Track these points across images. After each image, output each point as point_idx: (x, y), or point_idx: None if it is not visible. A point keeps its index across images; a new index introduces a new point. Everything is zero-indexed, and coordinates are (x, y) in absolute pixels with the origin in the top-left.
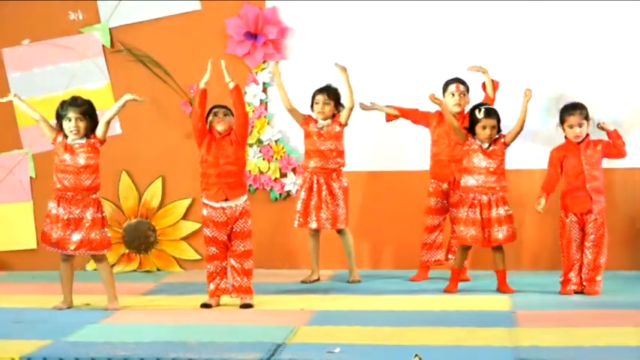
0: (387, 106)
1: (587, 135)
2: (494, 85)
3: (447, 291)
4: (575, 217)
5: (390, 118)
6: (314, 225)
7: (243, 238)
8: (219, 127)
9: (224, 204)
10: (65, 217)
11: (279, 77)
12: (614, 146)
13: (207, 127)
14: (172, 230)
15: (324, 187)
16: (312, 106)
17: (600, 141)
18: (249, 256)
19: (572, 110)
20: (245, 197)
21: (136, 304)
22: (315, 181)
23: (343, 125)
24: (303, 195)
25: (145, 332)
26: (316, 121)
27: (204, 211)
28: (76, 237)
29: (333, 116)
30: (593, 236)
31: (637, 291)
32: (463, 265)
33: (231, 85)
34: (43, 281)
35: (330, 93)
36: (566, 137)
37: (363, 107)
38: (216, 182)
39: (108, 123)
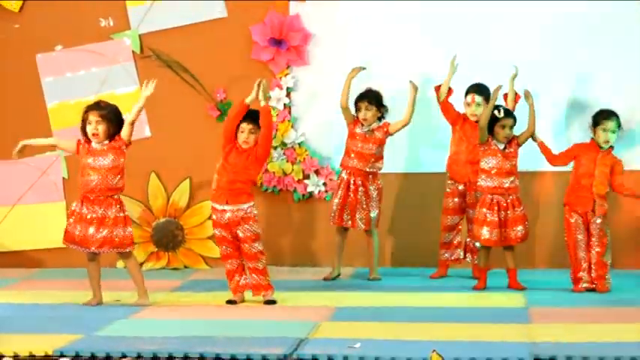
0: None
1: (612, 147)
2: (517, 98)
3: (477, 288)
4: (579, 217)
5: (449, 94)
6: (349, 224)
7: (251, 241)
8: (244, 145)
9: (225, 207)
10: (88, 216)
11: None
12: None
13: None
14: (199, 229)
15: (360, 188)
16: (356, 111)
17: (619, 162)
18: (260, 257)
19: (609, 116)
20: (249, 204)
21: (165, 301)
22: (353, 182)
23: (389, 134)
24: (340, 194)
25: (173, 327)
26: (363, 125)
27: (212, 214)
28: (99, 235)
29: (380, 119)
30: (596, 236)
31: None
32: (488, 263)
33: (262, 104)
34: (75, 278)
35: (371, 98)
36: (592, 139)
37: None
38: (222, 187)
39: (132, 124)
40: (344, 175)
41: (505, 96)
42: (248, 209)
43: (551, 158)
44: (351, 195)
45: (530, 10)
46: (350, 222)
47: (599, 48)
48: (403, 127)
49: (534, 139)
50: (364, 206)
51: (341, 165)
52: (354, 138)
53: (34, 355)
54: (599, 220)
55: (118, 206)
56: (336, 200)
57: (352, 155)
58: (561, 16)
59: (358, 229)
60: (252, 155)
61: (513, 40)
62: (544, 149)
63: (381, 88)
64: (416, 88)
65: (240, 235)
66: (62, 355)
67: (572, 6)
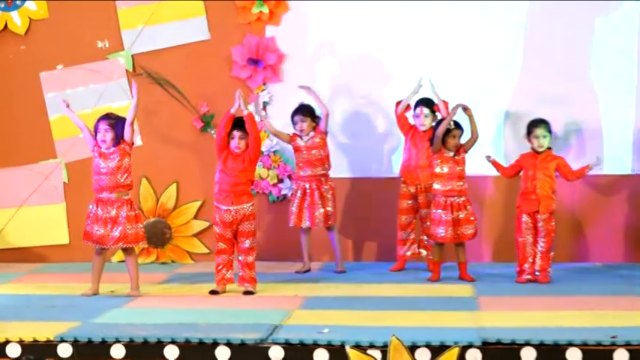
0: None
1: (549, 148)
2: (445, 104)
3: (431, 280)
4: (528, 217)
5: (406, 109)
6: (307, 224)
7: (248, 236)
8: (236, 150)
9: (231, 207)
10: (103, 216)
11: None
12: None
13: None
14: (185, 228)
15: (315, 192)
16: (293, 125)
17: (557, 157)
18: (252, 252)
19: (538, 124)
20: (250, 203)
21: (154, 292)
22: (308, 187)
23: (324, 133)
24: (297, 199)
25: (162, 315)
26: (301, 137)
27: (216, 213)
28: (114, 233)
29: (314, 128)
30: (543, 233)
31: (581, 280)
32: (441, 257)
33: (245, 113)
34: (74, 272)
35: (304, 111)
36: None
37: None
38: (226, 190)
39: (131, 125)
40: (300, 182)
41: (437, 107)
42: (249, 208)
43: (503, 172)
44: (308, 198)
45: (476, 28)
46: (309, 222)
47: (537, 63)
48: (474, 142)
49: (488, 160)
50: (320, 206)
51: (296, 178)
52: (299, 151)
53: (37, 341)
54: (545, 218)
55: (129, 206)
56: (294, 206)
57: (301, 166)
58: (501, 33)
59: (318, 227)
60: (246, 158)
61: (457, 58)
62: (497, 165)
63: (348, 103)
64: (466, 108)
65: (240, 231)
66: (62, 341)
67: (513, 24)
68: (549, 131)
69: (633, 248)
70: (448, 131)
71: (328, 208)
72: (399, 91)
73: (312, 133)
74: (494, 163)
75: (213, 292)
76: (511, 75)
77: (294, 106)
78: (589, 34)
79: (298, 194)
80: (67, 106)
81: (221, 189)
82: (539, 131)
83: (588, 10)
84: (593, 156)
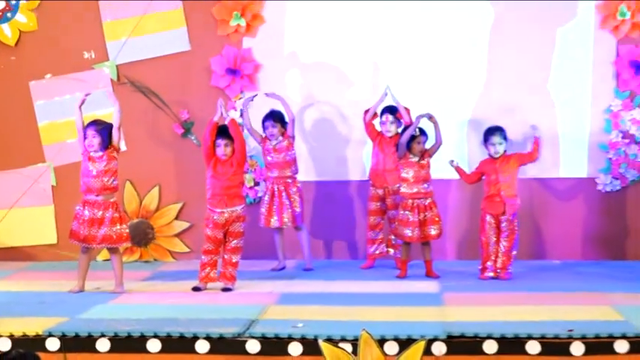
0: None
1: (505, 152)
2: (407, 111)
3: (399, 277)
4: (492, 218)
5: (373, 117)
6: (276, 224)
7: (237, 236)
8: (223, 158)
9: (224, 210)
10: (90, 217)
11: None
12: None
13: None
14: (167, 228)
15: (283, 193)
16: (263, 130)
17: (513, 154)
18: (238, 252)
19: (494, 131)
20: (242, 205)
21: (137, 289)
22: (277, 189)
23: (291, 137)
24: (266, 200)
25: (145, 311)
26: (270, 140)
27: (208, 216)
28: (100, 233)
29: (283, 134)
30: (506, 233)
31: (540, 277)
32: (409, 255)
33: (227, 120)
34: (62, 270)
35: (275, 117)
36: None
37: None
38: (219, 193)
39: (118, 129)
40: (268, 184)
41: (399, 115)
42: (240, 210)
43: (466, 178)
44: (276, 199)
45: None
46: (278, 222)
47: (499, 73)
48: (438, 147)
49: (452, 165)
50: (288, 207)
51: (265, 179)
52: (268, 153)
53: (27, 335)
54: (509, 219)
55: (114, 208)
56: (264, 207)
57: (271, 167)
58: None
59: (286, 226)
60: (234, 162)
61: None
62: (460, 172)
63: (320, 110)
64: (430, 117)
65: (230, 231)
66: (50, 335)
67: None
68: (505, 138)
69: (589, 246)
70: (413, 137)
71: (296, 209)
72: (366, 99)
73: (280, 138)
74: (458, 170)
75: (195, 289)
76: (475, 85)
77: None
78: (550, 45)
79: (267, 196)
80: (81, 104)
81: (214, 193)
82: (496, 138)
83: (550, 21)
84: (549, 161)
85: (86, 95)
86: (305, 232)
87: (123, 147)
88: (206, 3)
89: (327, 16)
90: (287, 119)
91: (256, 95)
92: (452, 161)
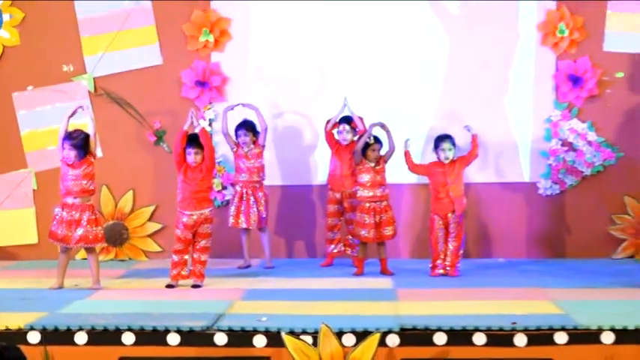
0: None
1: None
2: (361, 120)
3: (356, 274)
4: (440, 219)
5: (333, 127)
6: (244, 225)
7: (205, 237)
8: (193, 164)
9: (193, 212)
10: (68, 219)
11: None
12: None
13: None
14: (141, 229)
15: (251, 197)
16: (236, 137)
17: (458, 158)
18: (207, 251)
19: (443, 139)
20: (210, 208)
21: (113, 285)
22: (245, 192)
23: (261, 146)
24: (235, 202)
25: (120, 306)
26: (242, 147)
27: (179, 218)
28: (77, 234)
29: (254, 142)
30: (454, 234)
31: (486, 274)
32: (365, 254)
33: (198, 129)
34: (43, 268)
35: (247, 127)
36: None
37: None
38: (188, 197)
39: (94, 135)
40: (237, 188)
41: (354, 124)
42: (209, 213)
43: (412, 166)
44: (244, 202)
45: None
46: (245, 223)
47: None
48: (392, 154)
49: (406, 146)
50: (255, 210)
51: (234, 183)
52: (240, 158)
53: (10, 329)
54: (457, 220)
55: (90, 210)
56: (233, 208)
57: (241, 172)
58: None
59: (252, 227)
60: (204, 168)
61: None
62: (407, 157)
63: (284, 120)
64: (382, 125)
65: (199, 232)
66: (32, 329)
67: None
68: (454, 144)
69: (531, 246)
70: (368, 145)
71: (262, 212)
72: (327, 109)
73: (252, 146)
74: (407, 155)
75: (169, 286)
76: (431, 97)
77: (238, 121)
78: (498, 61)
79: (236, 199)
80: (72, 115)
81: (184, 197)
82: (446, 145)
83: (497, 41)
84: (495, 167)
85: (78, 107)
86: (267, 234)
87: (99, 153)
88: (177, 20)
89: (291, 32)
90: (259, 129)
91: (238, 105)
92: (408, 140)
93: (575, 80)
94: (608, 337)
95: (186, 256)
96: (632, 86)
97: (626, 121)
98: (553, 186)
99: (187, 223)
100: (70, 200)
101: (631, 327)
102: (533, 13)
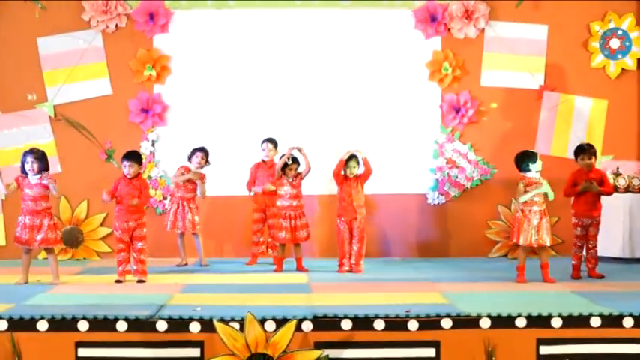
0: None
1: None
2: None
3: (276, 271)
4: (345, 224)
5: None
6: (180, 229)
7: (140, 240)
8: (128, 176)
9: (129, 219)
10: (30, 224)
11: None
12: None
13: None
14: (94, 233)
15: (186, 207)
16: (190, 158)
17: (359, 175)
18: (144, 252)
19: (350, 159)
20: (142, 217)
21: (70, 281)
22: (180, 203)
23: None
24: (172, 210)
25: (76, 299)
26: (191, 169)
27: (116, 223)
28: (39, 237)
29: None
30: (357, 237)
31: (385, 270)
32: (284, 254)
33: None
34: (9, 267)
35: (204, 151)
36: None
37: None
38: (123, 209)
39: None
40: (174, 199)
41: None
42: (142, 219)
43: (337, 168)
44: (180, 210)
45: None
46: (181, 227)
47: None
48: (308, 172)
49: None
50: (189, 217)
51: (171, 195)
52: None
53: None
54: (359, 225)
55: (50, 217)
56: (170, 214)
57: (180, 189)
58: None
59: (188, 231)
60: (137, 186)
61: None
62: (338, 167)
63: (224, 146)
64: (300, 149)
65: (135, 236)
66: (1, 318)
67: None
68: (358, 163)
69: (422, 246)
70: (287, 165)
71: (195, 218)
72: (258, 131)
73: (199, 168)
74: (338, 165)
75: (118, 281)
76: (348, 123)
77: (179, 144)
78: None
79: (173, 207)
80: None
81: (121, 209)
82: (352, 163)
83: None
84: (392, 181)
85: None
86: (200, 238)
87: (59, 169)
88: (125, 57)
89: (224, 68)
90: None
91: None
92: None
93: (458, 110)
94: (485, 323)
95: (128, 255)
96: (504, 115)
97: (499, 143)
98: (440, 197)
99: (122, 228)
100: (30, 206)
101: (504, 314)
102: (423, 53)
